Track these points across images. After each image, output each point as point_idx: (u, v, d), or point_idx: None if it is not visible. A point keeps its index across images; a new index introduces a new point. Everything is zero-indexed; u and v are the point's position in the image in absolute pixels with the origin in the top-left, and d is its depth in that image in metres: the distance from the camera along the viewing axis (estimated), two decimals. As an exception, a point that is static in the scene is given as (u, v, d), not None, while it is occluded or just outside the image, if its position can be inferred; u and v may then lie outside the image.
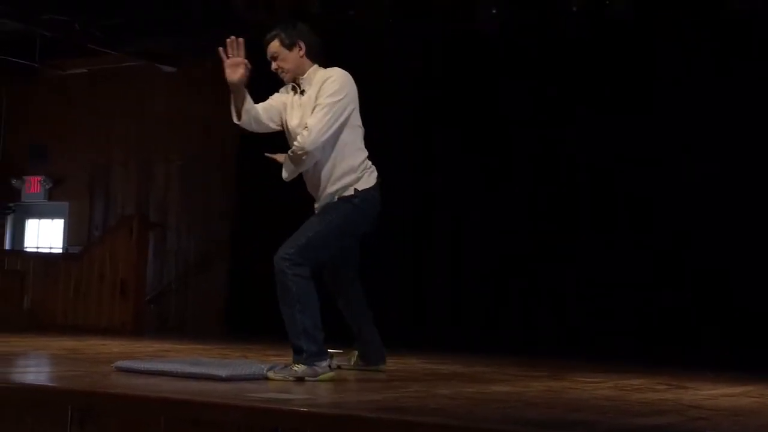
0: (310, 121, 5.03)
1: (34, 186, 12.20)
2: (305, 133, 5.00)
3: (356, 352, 5.80)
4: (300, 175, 5.25)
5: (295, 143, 5.08)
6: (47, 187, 12.13)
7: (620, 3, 7.86)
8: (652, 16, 8.22)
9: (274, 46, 5.25)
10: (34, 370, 5.51)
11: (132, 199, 11.63)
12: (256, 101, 5.23)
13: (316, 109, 5.06)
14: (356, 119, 5.20)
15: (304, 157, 5.03)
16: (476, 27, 8.41)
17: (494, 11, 8.26)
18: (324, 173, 5.14)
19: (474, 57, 9.20)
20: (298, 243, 4.96)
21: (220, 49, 5.04)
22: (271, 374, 4.88)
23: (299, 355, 4.92)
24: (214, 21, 9.70)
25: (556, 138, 8.84)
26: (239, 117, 5.20)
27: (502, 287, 8.96)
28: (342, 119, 5.06)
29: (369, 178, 5.22)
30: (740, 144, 8.15)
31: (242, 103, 5.15)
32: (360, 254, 5.53)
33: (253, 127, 5.28)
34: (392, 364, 6.06)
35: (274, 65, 5.28)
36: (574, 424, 3.72)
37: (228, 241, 10.69)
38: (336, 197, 5.16)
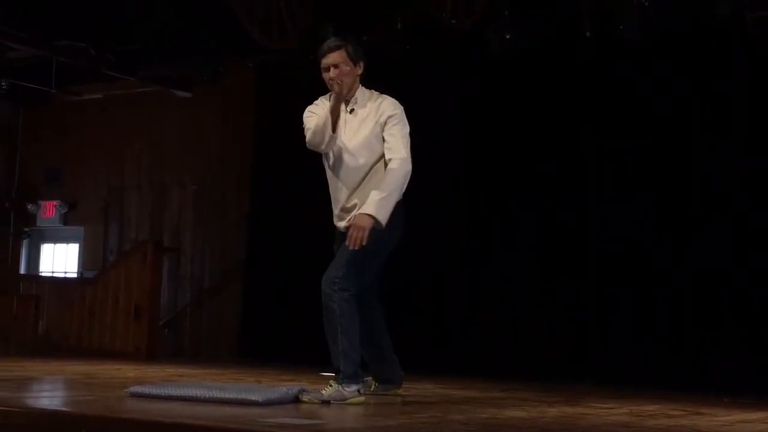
0: (393, 142, 5.23)
1: (49, 211, 12.24)
2: (397, 152, 5.18)
3: (370, 378, 5.81)
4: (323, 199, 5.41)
5: (394, 162, 5.16)
6: (62, 211, 12.16)
7: (633, 27, 7.85)
8: (663, 40, 8.20)
9: (340, 56, 5.20)
10: (48, 395, 5.51)
11: (146, 224, 11.64)
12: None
13: (392, 134, 5.25)
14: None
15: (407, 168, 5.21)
16: (490, 51, 8.41)
17: (507, 36, 8.26)
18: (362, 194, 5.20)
19: (487, 81, 9.19)
20: (342, 267, 5.06)
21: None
22: (302, 397, 5.01)
23: (338, 375, 5.10)
24: (228, 46, 9.75)
25: (569, 162, 8.80)
26: (335, 129, 5.18)
27: (515, 313, 8.91)
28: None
29: None
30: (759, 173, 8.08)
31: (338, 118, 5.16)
32: (383, 282, 5.62)
33: (328, 145, 5.22)
34: (406, 388, 6.04)
35: (332, 73, 5.20)
36: (589, 450, 3.70)
37: (242, 265, 10.68)
38: None
